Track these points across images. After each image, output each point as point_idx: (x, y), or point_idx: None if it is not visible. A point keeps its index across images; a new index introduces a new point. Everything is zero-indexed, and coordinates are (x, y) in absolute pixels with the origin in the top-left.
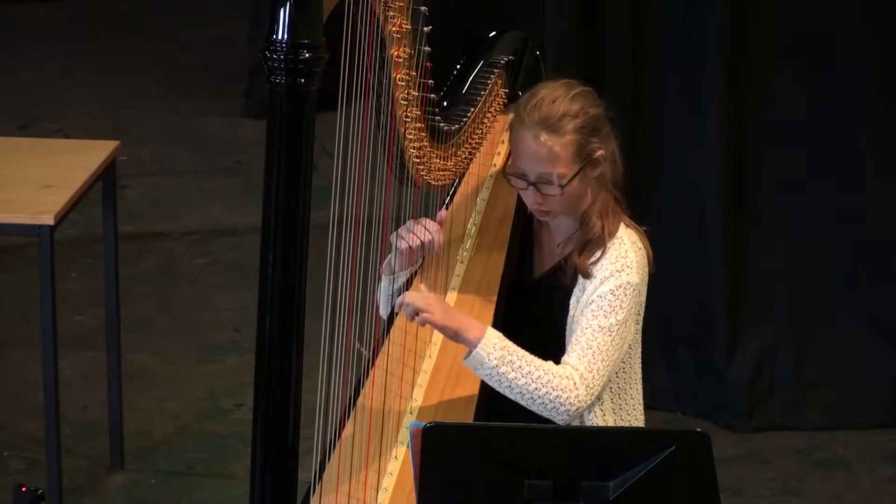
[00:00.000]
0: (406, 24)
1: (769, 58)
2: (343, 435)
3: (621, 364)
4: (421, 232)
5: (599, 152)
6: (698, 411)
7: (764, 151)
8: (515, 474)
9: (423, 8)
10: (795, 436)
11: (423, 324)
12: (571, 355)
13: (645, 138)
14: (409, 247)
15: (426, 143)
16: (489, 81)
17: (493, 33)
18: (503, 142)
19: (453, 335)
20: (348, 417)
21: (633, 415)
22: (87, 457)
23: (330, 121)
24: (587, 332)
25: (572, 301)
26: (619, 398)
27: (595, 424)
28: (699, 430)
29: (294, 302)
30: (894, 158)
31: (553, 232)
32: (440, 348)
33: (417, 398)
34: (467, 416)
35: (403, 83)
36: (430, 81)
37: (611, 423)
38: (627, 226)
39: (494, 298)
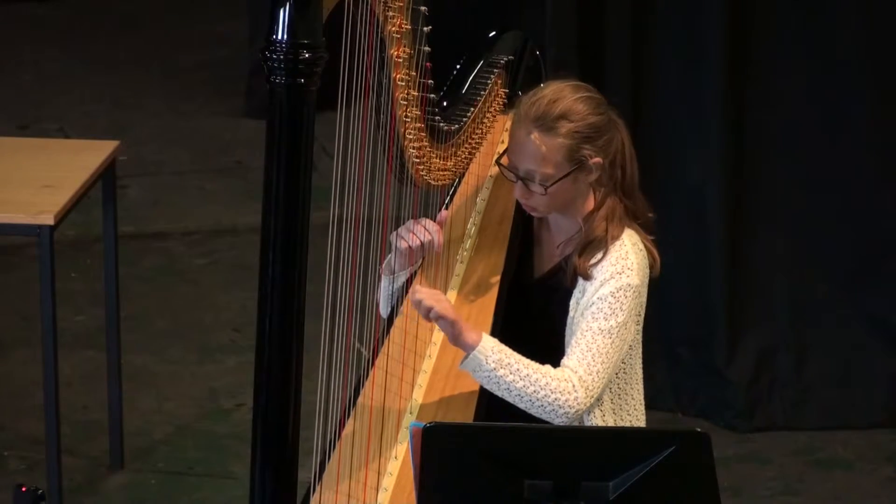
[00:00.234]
0: (406, 24)
1: (769, 58)
2: (343, 435)
3: (622, 365)
4: (421, 232)
5: (595, 160)
6: (698, 411)
7: (764, 151)
8: (515, 474)
9: (423, 8)
10: (795, 436)
11: (435, 318)
12: (571, 358)
13: (645, 138)
14: (409, 247)
15: (426, 143)
16: (489, 81)
17: (493, 33)
18: (503, 142)
19: (455, 336)
20: (348, 417)
21: (633, 415)
22: (87, 457)
23: (330, 121)
24: (587, 334)
25: (572, 302)
26: (620, 399)
27: (595, 425)
28: (699, 430)
29: (294, 302)
30: (894, 158)
31: (553, 232)
32: (440, 348)
33: (417, 398)
34: (467, 416)
35: (403, 83)
36: (430, 81)
37: (611, 424)
38: (632, 230)
39: (494, 298)
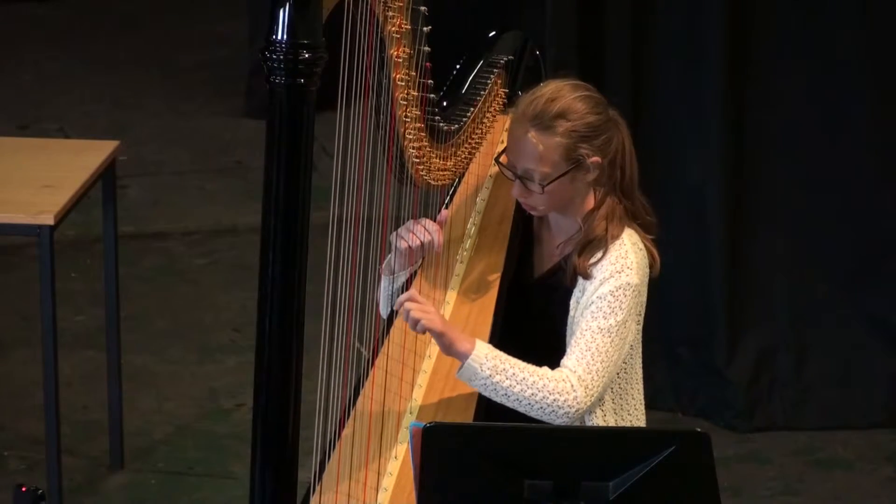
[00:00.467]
0: (406, 24)
1: (769, 58)
2: (343, 435)
3: (622, 365)
4: (420, 232)
5: (593, 159)
6: (698, 411)
7: (764, 151)
8: (515, 474)
9: (423, 8)
10: (795, 436)
11: (422, 331)
12: (570, 357)
13: (645, 138)
14: (409, 247)
15: (426, 143)
16: (489, 81)
17: (493, 33)
18: (503, 142)
19: (447, 346)
20: (348, 417)
21: (634, 415)
22: (87, 457)
23: (330, 121)
24: (587, 333)
25: (572, 301)
26: (620, 398)
27: (595, 424)
28: (699, 430)
29: (294, 302)
30: (894, 158)
31: (554, 232)
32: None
33: (417, 398)
34: (467, 416)
35: (403, 83)
36: (430, 81)
37: (611, 424)
38: (632, 230)
39: (494, 298)
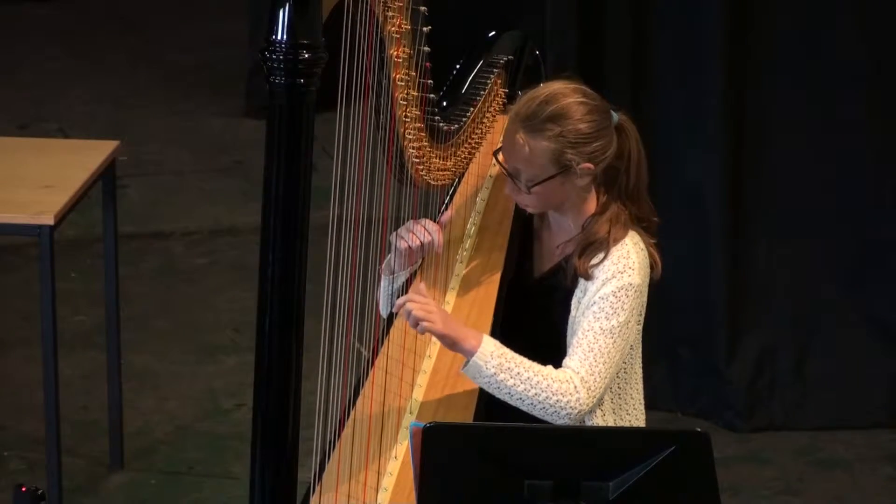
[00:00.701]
0: (405, 24)
1: (769, 58)
2: (343, 435)
3: (622, 364)
4: (420, 232)
5: (583, 165)
6: (698, 411)
7: (764, 151)
8: (515, 474)
9: (422, 8)
10: (795, 436)
11: (423, 332)
12: (573, 358)
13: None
14: (409, 247)
15: (426, 143)
16: (489, 81)
17: (493, 33)
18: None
19: (451, 344)
20: (348, 417)
21: (633, 415)
22: (87, 457)
23: (330, 121)
24: (589, 334)
25: (573, 301)
26: (620, 398)
27: (596, 424)
28: (699, 430)
29: (294, 302)
30: (894, 158)
31: (554, 231)
32: (440, 348)
33: (417, 398)
34: (467, 416)
35: (403, 83)
36: (430, 81)
37: (611, 424)
38: (635, 232)
39: (494, 298)
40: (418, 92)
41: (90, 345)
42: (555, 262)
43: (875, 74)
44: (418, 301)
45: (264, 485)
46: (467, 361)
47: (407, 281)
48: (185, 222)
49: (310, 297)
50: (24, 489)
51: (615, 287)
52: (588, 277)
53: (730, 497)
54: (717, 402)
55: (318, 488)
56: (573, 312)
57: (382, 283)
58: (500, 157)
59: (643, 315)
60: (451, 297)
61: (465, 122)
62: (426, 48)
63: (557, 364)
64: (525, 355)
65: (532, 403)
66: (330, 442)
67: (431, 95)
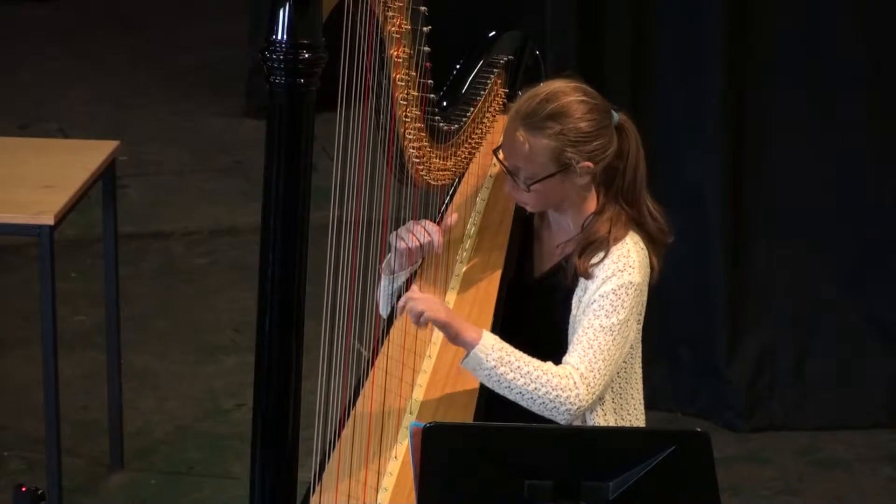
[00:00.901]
0: (406, 25)
1: (769, 58)
2: (343, 435)
3: (623, 364)
4: (420, 233)
5: (583, 164)
6: (698, 411)
7: (764, 151)
8: (515, 474)
9: (422, 8)
10: (795, 436)
11: (425, 324)
12: (572, 355)
13: (645, 138)
14: (408, 247)
15: (426, 143)
16: (489, 81)
17: (493, 33)
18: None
19: (454, 336)
20: (348, 417)
21: (633, 415)
22: (87, 457)
23: (330, 121)
24: (588, 332)
25: (574, 300)
26: (620, 398)
27: (596, 424)
28: (699, 430)
29: (294, 302)
30: (894, 158)
31: (554, 230)
32: (440, 348)
33: (417, 398)
34: (467, 416)
35: (403, 83)
36: (430, 81)
37: (611, 424)
38: (635, 233)
39: (494, 298)
40: (418, 92)
41: (90, 345)
42: (555, 262)
43: (875, 74)
44: (419, 296)
45: (264, 485)
46: (468, 354)
47: (407, 281)
48: (185, 222)
49: (310, 297)
50: (24, 489)
51: (615, 285)
52: (588, 277)
53: (730, 497)
54: (717, 402)
55: (318, 488)
56: (574, 311)
57: (382, 283)
58: (500, 154)
59: (643, 314)
60: (451, 296)
61: (465, 122)
62: (426, 48)
63: (557, 363)
64: (527, 354)
65: (532, 398)
66: (330, 442)
67: (431, 95)
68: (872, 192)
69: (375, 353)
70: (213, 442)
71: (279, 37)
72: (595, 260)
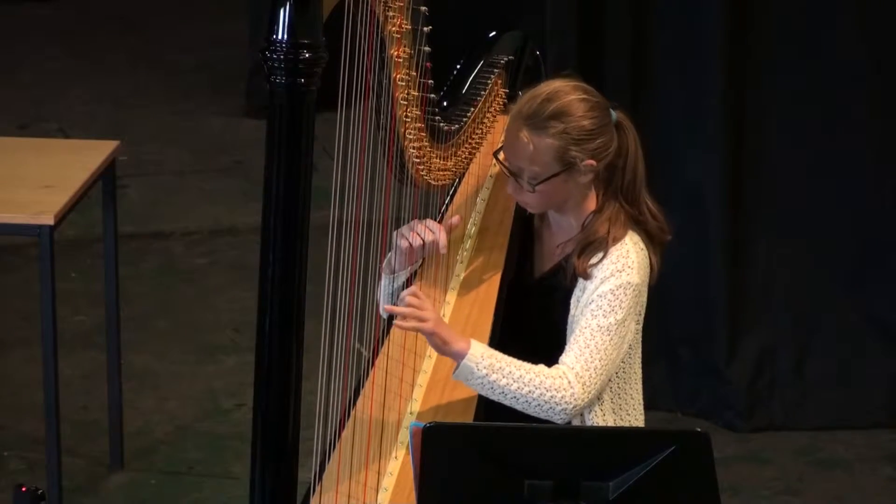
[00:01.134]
0: (406, 24)
1: (769, 57)
2: (343, 435)
3: (621, 364)
4: (423, 231)
5: (586, 162)
6: (698, 411)
7: (764, 151)
8: (515, 474)
9: (423, 8)
10: (795, 436)
11: (413, 330)
12: (568, 354)
13: (645, 138)
14: (410, 246)
15: (426, 143)
16: (489, 81)
17: (493, 33)
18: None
19: (441, 345)
20: (348, 418)
21: (633, 415)
22: (87, 457)
23: (330, 121)
24: (586, 331)
25: (573, 300)
26: (619, 398)
27: (595, 424)
28: (699, 430)
29: (294, 302)
30: (894, 158)
31: (554, 231)
32: None
33: (417, 398)
34: (467, 416)
35: (403, 83)
36: (430, 81)
37: (611, 424)
38: (635, 233)
39: (494, 298)
40: (419, 92)
41: (90, 345)
42: (555, 262)
43: (875, 74)
44: (418, 300)
45: (264, 485)
46: (458, 365)
47: (407, 280)
48: (185, 222)
49: (310, 297)
50: (24, 489)
51: (613, 285)
52: (587, 277)
53: (730, 497)
54: (717, 402)
55: (318, 488)
56: (572, 311)
57: (383, 282)
58: (502, 156)
59: (642, 315)
60: (451, 297)
61: (465, 123)
62: (426, 48)
63: (556, 363)
64: (525, 355)
65: (527, 401)
66: (330, 442)
67: (432, 95)
68: (872, 192)
69: (375, 353)
70: (213, 442)
71: (279, 36)
72: (594, 260)
